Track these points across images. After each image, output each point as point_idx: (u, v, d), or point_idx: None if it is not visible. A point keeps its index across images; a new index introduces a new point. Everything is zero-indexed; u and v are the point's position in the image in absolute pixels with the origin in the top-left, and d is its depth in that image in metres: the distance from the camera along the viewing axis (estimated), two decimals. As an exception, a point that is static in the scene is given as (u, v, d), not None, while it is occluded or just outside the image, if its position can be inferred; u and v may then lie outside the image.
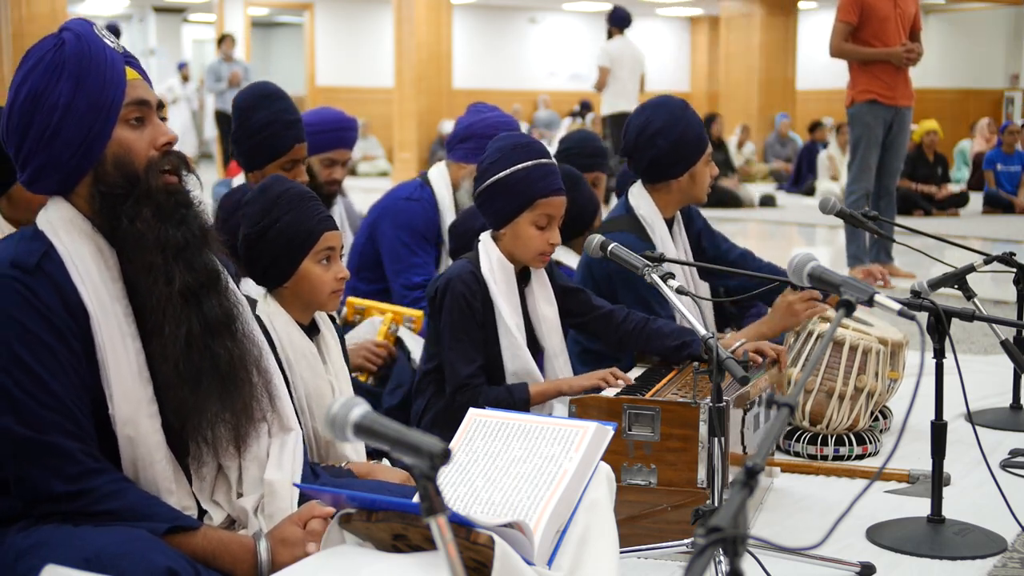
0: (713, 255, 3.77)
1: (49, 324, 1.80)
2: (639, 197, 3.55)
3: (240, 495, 2.00)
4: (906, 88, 6.89)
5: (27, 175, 1.90)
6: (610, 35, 10.86)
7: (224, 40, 15.55)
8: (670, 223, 3.58)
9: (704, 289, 3.78)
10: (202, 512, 1.97)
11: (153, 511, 1.83)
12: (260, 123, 3.38)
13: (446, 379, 2.88)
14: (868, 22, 6.78)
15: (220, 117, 15.48)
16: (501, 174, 2.84)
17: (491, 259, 2.90)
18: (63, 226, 1.88)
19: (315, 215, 2.46)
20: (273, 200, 2.46)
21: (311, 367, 2.41)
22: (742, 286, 3.73)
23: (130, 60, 1.94)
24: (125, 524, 1.78)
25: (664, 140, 3.45)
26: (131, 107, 1.89)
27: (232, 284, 2.03)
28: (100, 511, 1.79)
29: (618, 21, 10.75)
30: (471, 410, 2.11)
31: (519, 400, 2.84)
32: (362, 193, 11.97)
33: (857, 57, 6.85)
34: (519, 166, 2.84)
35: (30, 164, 1.89)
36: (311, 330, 2.49)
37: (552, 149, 4.79)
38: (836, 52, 6.88)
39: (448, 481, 1.96)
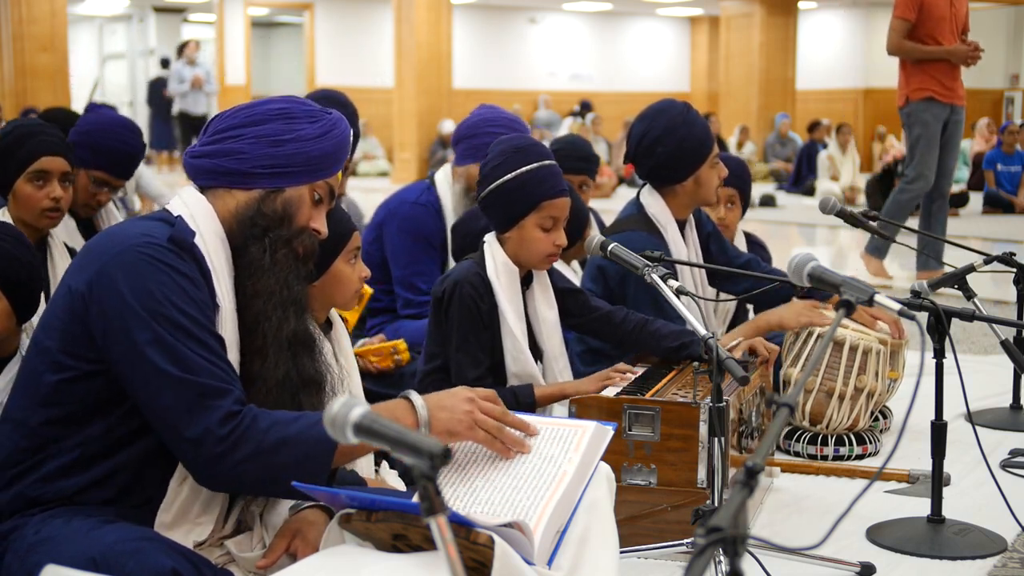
0: (721, 260, 3.75)
1: (198, 291, 1.89)
2: (650, 198, 3.55)
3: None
4: (961, 87, 6.79)
5: (211, 148, 2.00)
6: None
7: (187, 45, 16.26)
8: (682, 225, 3.57)
9: (711, 294, 3.76)
10: (229, 510, 2.02)
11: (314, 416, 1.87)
12: None
13: (453, 382, 2.87)
14: (925, 21, 6.67)
15: (182, 119, 16.02)
16: (505, 178, 2.83)
17: (496, 261, 2.89)
18: (204, 223, 1.97)
19: (344, 215, 2.46)
20: None
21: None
22: (748, 291, 3.71)
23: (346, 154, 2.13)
24: (297, 438, 1.82)
25: (663, 148, 3.45)
26: (324, 187, 2.07)
27: (326, 353, 2.13)
28: (262, 429, 1.82)
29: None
30: None
31: (524, 404, 2.82)
32: (362, 193, 11.96)
33: (917, 55, 6.70)
34: (523, 169, 2.82)
35: (222, 143, 1.99)
36: (325, 328, 2.49)
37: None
38: (894, 49, 6.74)
39: (448, 481, 1.96)
